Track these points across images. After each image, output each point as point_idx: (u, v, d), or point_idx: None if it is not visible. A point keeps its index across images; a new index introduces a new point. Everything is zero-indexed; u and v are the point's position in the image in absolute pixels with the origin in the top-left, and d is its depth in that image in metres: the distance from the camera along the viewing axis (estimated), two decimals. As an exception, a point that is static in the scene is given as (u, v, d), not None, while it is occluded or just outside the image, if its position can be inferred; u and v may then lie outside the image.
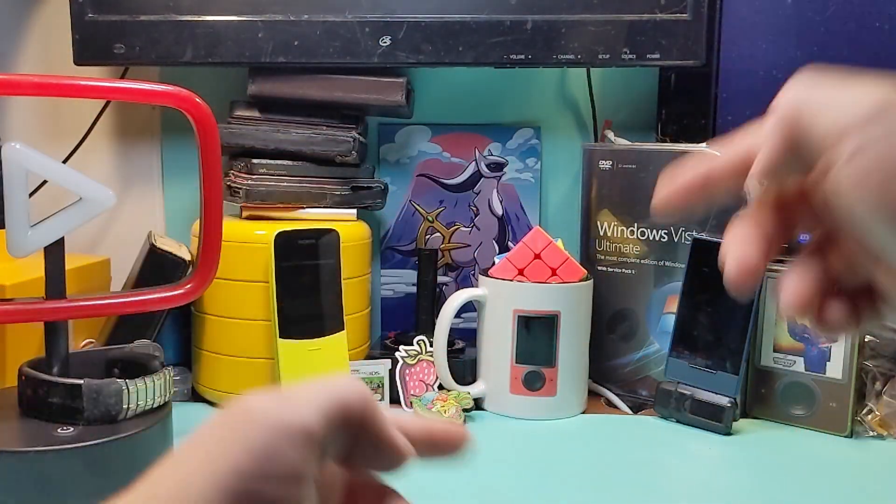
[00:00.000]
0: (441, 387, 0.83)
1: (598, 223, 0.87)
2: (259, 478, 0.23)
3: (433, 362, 0.82)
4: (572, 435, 0.78)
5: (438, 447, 0.30)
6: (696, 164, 0.34)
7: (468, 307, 0.83)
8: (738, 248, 0.33)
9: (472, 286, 0.89)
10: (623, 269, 0.86)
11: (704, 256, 0.79)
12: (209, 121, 0.65)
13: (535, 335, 0.80)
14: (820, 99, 0.30)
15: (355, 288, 0.85)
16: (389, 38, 0.85)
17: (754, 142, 0.33)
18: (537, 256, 0.81)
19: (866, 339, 0.78)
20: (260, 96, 0.89)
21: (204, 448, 0.24)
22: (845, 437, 0.77)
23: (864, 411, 0.77)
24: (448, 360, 0.81)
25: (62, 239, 0.62)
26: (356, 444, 0.27)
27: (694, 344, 0.80)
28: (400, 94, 0.89)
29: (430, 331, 0.85)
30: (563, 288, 0.81)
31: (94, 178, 0.63)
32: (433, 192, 1.00)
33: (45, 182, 0.77)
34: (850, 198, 0.28)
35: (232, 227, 0.81)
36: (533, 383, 0.81)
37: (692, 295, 0.80)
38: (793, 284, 0.32)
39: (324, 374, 0.73)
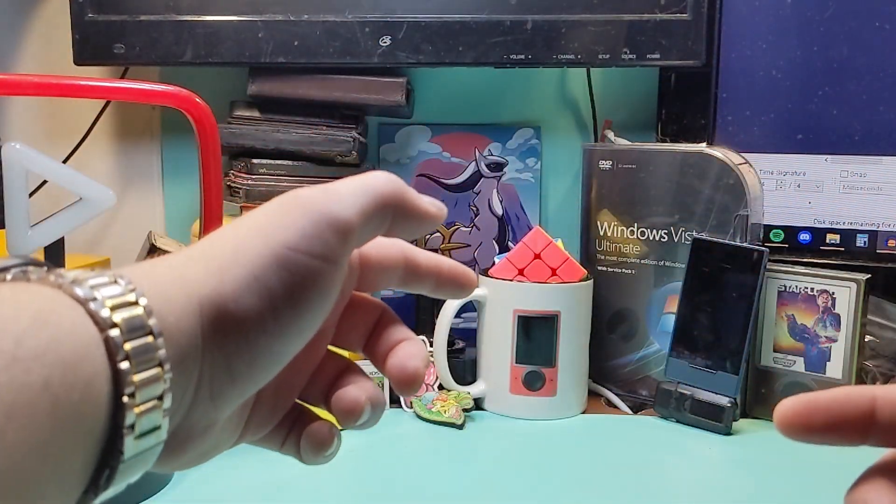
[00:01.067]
0: (441, 387, 0.83)
1: (598, 223, 0.87)
2: (302, 252, 0.28)
3: (433, 362, 0.82)
4: (572, 435, 0.78)
5: (445, 283, 0.35)
6: (832, 393, 0.32)
7: (468, 307, 0.83)
8: None
9: (472, 286, 0.89)
10: (623, 269, 0.86)
11: (704, 256, 0.79)
12: (209, 121, 0.65)
13: (535, 335, 0.80)
14: None
15: (355, 288, 0.85)
16: (389, 38, 0.85)
17: (880, 393, 0.31)
18: (537, 256, 0.81)
19: (866, 339, 0.78)
20: (260, 96, 0.89)
21: (258, 222, 0.28)
22: (845, 437, 0.77)
23: (865, 411, 0.77)
24: (448, 360, 0.81)
25: (62, 239, 0.62)
26: (393, 221, 0.31)
27: (694, 344, 0.80)
28: (400, 94, 0.89)
29: (430, 331, 0.85)
30: (563, 288, 0.81)
31: (94, 178, 0.63)
32: (433, 192, 1.00)
33: (45, 182, 0.77)
34: None
35: (232, 227, 0.81)
36: (533, 383, 0.81)
37: (692, 295, 0.80)
38: None
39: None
